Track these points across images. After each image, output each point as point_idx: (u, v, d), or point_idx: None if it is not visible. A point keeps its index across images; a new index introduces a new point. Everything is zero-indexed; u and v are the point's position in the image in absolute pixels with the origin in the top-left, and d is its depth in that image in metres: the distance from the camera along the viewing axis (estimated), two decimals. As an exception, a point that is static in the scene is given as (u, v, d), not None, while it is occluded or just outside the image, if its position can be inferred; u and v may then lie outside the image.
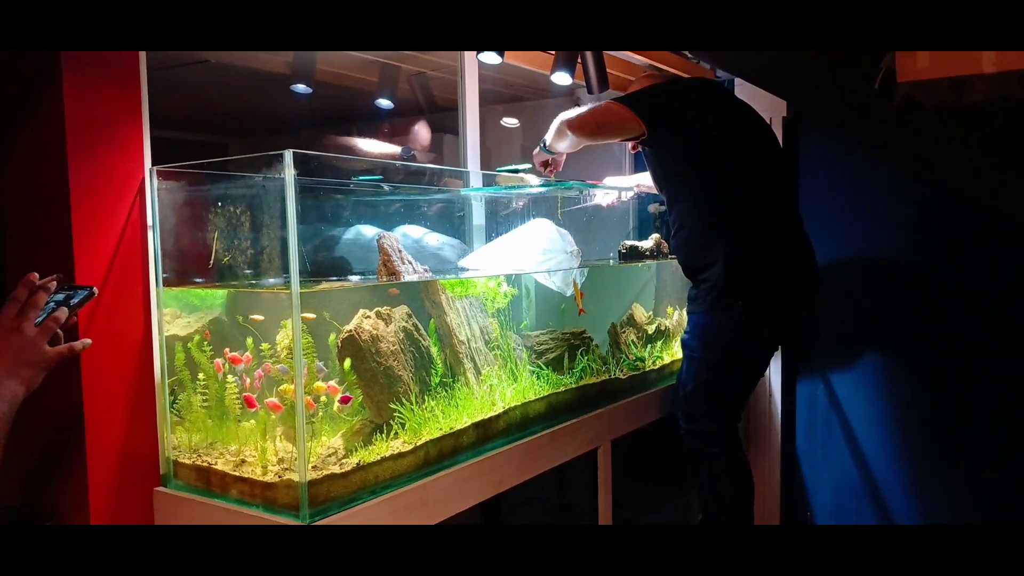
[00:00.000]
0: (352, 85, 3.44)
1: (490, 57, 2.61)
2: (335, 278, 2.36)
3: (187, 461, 1.86)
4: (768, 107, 3.47)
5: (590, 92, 2.96)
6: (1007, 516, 3.05)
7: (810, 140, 3.47)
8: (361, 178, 2.58)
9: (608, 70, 2.99)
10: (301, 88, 3.22)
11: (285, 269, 1.68)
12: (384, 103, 3.52)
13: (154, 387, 1.87)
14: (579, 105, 3.13)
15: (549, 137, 2.58)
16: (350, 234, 2.67)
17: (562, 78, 2.81)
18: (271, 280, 1.86)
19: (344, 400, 1.88)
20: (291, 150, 1.63)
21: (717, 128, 2.54)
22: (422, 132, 3.82)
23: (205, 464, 1.83)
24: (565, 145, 2.59)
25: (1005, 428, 3.06)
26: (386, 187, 2.64)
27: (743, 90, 3.56)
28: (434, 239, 2.72)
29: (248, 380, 1.84)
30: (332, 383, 1.84)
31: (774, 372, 3.49)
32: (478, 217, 3.00)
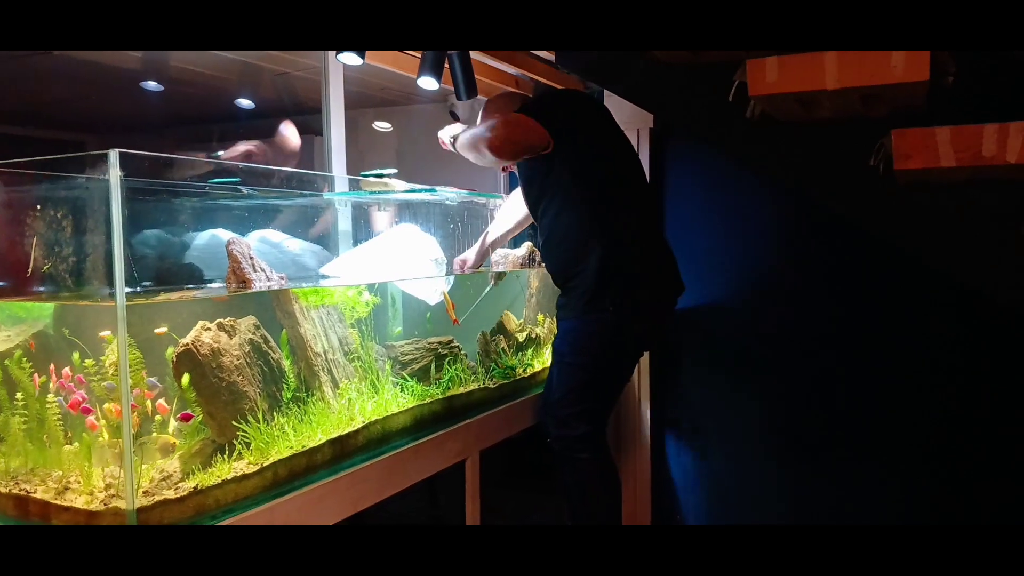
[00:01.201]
0: (209, 83, 3.28)
1: (350, 58, 2.51)
2: (190, 286, 2.22)
3: (2, 490, 1.69)
4: (634, 118, 3.50)
5: (459, 98, 2.91)
6: (875, 514, 3.15)
7: (675, 151, 3.52)
8: (217, 180, 2.44)
9: (476, 75, 2.95)
10: (152, 85, 3.03)
11: (121, 277, 1.54)
12: (245, 103, 3.36)
13: (-34, 409, 1.70)
14: (454, 111, 3.08)
15: (461, 148, 2.54)
16: (202, 239, 2.53)
17: (428, 83, 2.73)
18: (106, 290, 1.72)
19: (184, 417, 1.75)
20: (116, 149, 1.50)
21: (599, 136, 2.55)
22: (289, 134, 3.67)
23: (23, 492, 1.67)
24: (472, 158, 2.54)
25: (871, 424, 3.16)
26: (245, 190, 2.51)
27: (610, 101, 3.58)
28: (294, 245, 2.61)
29: (72, 398, 1.68)
30: (161, 401, 1.70)
31: (643, 375, 3.51)
32: (344, 222, 2.89)
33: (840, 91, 2.00)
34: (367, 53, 2.73)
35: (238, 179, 2.48)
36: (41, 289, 1.77)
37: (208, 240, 2.50)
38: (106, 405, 1.65)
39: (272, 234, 2.61)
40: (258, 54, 3.03)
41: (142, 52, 2.89)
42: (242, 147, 2.80)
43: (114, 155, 1.50)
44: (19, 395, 1.71)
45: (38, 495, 1.66)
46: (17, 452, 1.73)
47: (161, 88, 3.08)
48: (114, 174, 1.50)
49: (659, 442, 3.60)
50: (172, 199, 2.34)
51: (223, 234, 2.42)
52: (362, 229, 2.87)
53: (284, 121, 3.55)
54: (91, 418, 1.65)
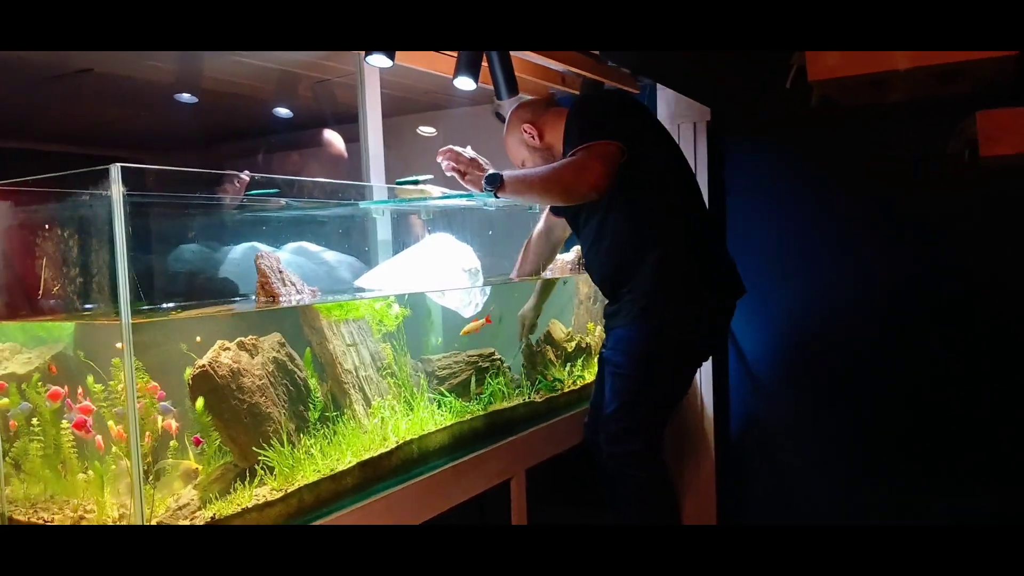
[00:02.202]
0: (249, 94, 3.23)
1: (379, 60, 2.41)
2: (224, 300, 2.16)
3: (22, 518, 1.64)
4: (690, 112, 3.35)
5: (499, 98, 2.79)
6: (941, 516, 2.99)
7: (733, 145, 3.36)
8: (255, 192, 2.38)
9: (516, 73, 2.83)
10: (186, 97, 3.00)
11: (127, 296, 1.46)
12: (283, 112, 3.31)
13: (-16, 434, 1.65)
14: (500, 112, 2.95)
15: (526, 192, 2.31)
16: (238, 252, 2.47)
17: (465, 83, 2.63)
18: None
19: (194, 442, 1.67)
20: (118, 164, 1.43)
21: (648, 138, 2.41)
22: (334, 142, 3.61)
23: (41, 521, 1.61)
24: (549, 201, 2.45)
25: (939, 428, 3.00)
26: (284, 201, 2.44)
27: (664, 94, 3.44)
28: (329, 257, 2.53)
29: (76, 419, 1.62)
30: (169, 421, 1.62)
31: (707, 378, 3.36)
32: (383, 232, 2.81)
33: (914, 70, 1.82)
34: (407, 57, 2.64)
35: (275, 190, 2.41)
36: (69, 301, 1.72)
37: (243, 253, 2.44)
38: (114, 429, 1.57)
39: (307, 246, 2.54)
40: (297, 63, 2.96)
41: (177, 65, 2.85)
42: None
43: (115, 170, 1.42)
44: (35, 420, 1.65)
45: (56, 523, 1.60)
46: (35, 479, 1.67)
47: (195, 100, 3.04)
48: (116, 189, 1.42)
49: (723, 445, 3.46)
50: (202, 213, 2.29)
51: (259, 247, 2.36)
52: (402, 238, 2.78)
53: (326, 130, 3.49)
54: (99, 438, 1.58)
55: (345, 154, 3.53)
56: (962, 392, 2.94)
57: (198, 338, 1.77)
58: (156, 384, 1.63)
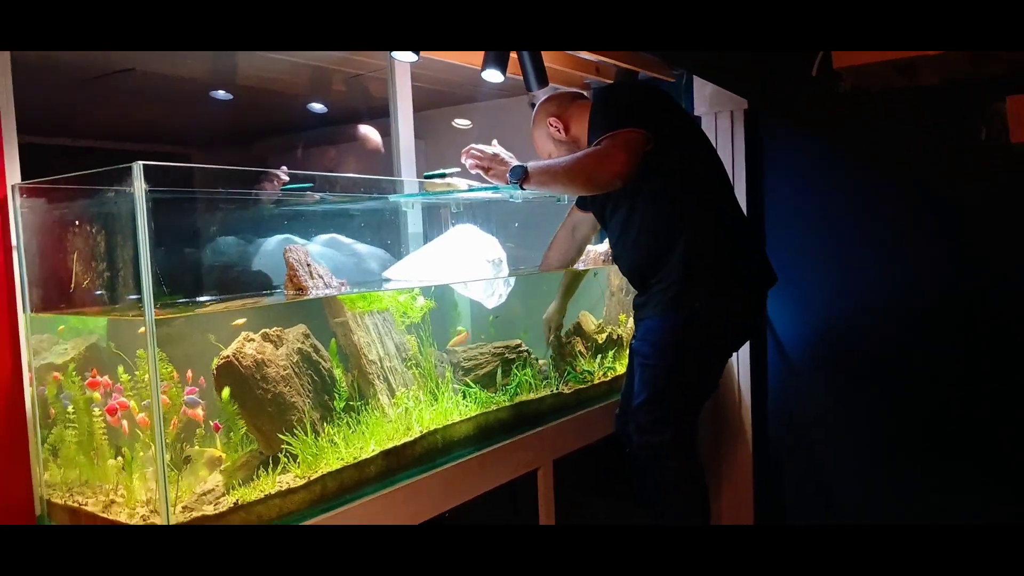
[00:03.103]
0: (285, 90, 3.29)
1: (405, 55, 2.45)
2: (257, 293, 2.21)
3: (59, 501, 1.71)
4: (728, 101, 3.31)
5: (529, 90, 2.80)
6: (986, 515, 2.91)
7: (771, 134, 3.32)
8: (290, 187, 2.44)
9: (548, 64, 2.84)
10: (220, 94, 3.07)
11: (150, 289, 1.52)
12: (318, 107, 3.37)
13: (26, 421, 1.72)
14: (536, 103, 2.96)
15: (552, 182, 2.29)
16: (270, 246, 2.52)
17: (493, 75, 2.65)
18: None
19: (215, 428, 1.73)
20: (140, 162, 1.48)
21: (675, 128, 2.40)
22: (371, 137, 3.66)
23: (76, 504, 1.68)
24: (573, 191, 2.45)
25: (982, 423, 2.92)
26: (318, 195, 2.50)
27: (700, 84, 3.41)
28: (359, 249, 2.57)
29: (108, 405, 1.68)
30: (195, 410, 1.67)
31: (744, 370, 3.35)
32: (414, 224, 2.84)
33: (942, 53, 1.79)
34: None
35: (310, 184, 2.46)
36: (101, 295, 1.79)
37: (277, 246, 2.49)
38: (138, 416, 1.63)
39: (339, 238, 2.58)
40: (330, 59, 3.01)
41: (214, 63, 2.93)
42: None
43: (137, 167, 1.47)
44: (70, 408, 1.72)
45: (88, 508, 1.67)
46: (71, 464, 1.74)
47: (230, 97, 3.11)
48: (138, 185, 1.48)
49: (761, 438, 3.43)
50: (238, 208, 2.34)
51: (293, 240, 2.41)
52: (432, 230, 2.81)
53: (363, 125, 3.54)
54: (124, 424, 1.65)
55: (382, 149, 3.58)
56: (1013, 386, 2.87)
57: (241, 320, 1.82)
58: (178, 375, 1.69)
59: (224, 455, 1.75)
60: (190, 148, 4.20)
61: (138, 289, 1.50)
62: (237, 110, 3.45)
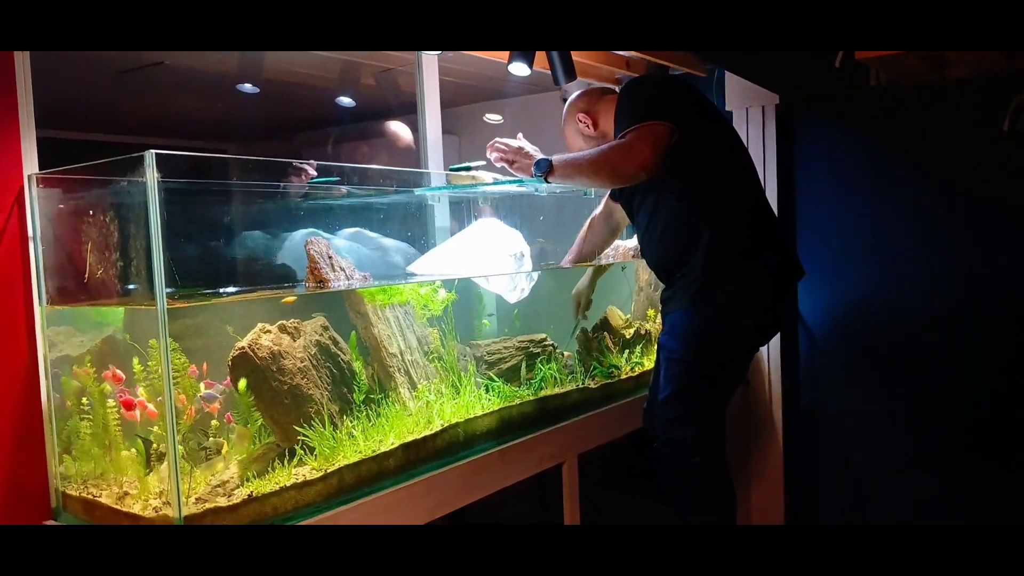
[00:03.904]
0: (317, 84, 3.29)
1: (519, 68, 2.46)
2: (279, 286, 2.21)
3: (74, 493, 1.71)
4: (759, 95, 3.25)
5: (556, 83, 2.76)
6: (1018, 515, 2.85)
7: (803, 127, 3.27)
8: (319, 180, 2.43)
9: (579, 58, 2.80)
10: (248, 88, 3.08)
11: (161, 280, 1.51)
12: (347, 102, 3.36)
13: (42, 413, 1.73)
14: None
15: (578, 175, 2.28)
16: (295, 239, 2.52)
17: (519, 69, 2.61)
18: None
19: (227, 420, 1.72)
20: (153, 151, 1.47)
21: (706, 119, 2.38)
22: (400, 132, 3.64)
23: (91, 496, 1.68)
24: (597, 184, 2.45)
25: (1017, 422, 2.85)
26: (345, 188, 2.49)
27: (732, 79, 3.35)
28: (385, 243, 2.56)
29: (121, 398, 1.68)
30: (212, 404, 1.67)
31: (775, 368, 3.28)
32: (441, 219, 2.82)
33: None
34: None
35: (337, 178, 2.45)
36: (116, 286, 1.79)
37: (302, 239, 2.48)
38: (148, 408, 1.63)
39: (363, 232, 2.57)
40: (359, 53, 3.00)
41: (245, 57, 2.93)
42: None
43: (149, 156, 1.47)
44: (84, 400, 1.73)
45: (103, 499, 1.67)
46: (87, 457, 1.74)
47: (257, 91, 3.12)
48: (150, 175, 1.47)
49: (792, 437, 3.36)
50: (263, 201, 2.34)
51: (318, 233, 2.40)
52: (460, 225, 2.79)
53: (395, 122, 3.52)
54: (135, 414, 1.64)
55: (413, 146, 3.56)
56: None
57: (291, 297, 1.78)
58: (195, 366, 1.68)
59: (225, 443, 1.73)
60: (226, 143, 4.23)
61: (150, 279, 1.49)
62: (268, 103, 3.46)
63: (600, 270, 2.81)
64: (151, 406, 1.62)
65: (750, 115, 3.29)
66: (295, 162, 2.36)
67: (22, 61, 1.71)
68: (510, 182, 2.44)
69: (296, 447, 1.76)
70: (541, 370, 2.42)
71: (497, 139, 2.44)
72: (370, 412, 1.95)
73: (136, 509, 1.60)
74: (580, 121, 2.50)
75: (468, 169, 2.49)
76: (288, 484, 1.67)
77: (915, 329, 3.04)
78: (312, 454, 1.77)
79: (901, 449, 3.10)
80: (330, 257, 2.09)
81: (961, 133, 2.80)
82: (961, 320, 2.93)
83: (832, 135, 3.20)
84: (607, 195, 2.75)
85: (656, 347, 2.51)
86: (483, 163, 2.51)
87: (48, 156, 1.78)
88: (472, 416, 2.13)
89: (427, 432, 2.00)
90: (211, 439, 1.69)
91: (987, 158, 2.76)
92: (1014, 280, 2.82)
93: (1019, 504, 2.83)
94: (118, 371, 1.73)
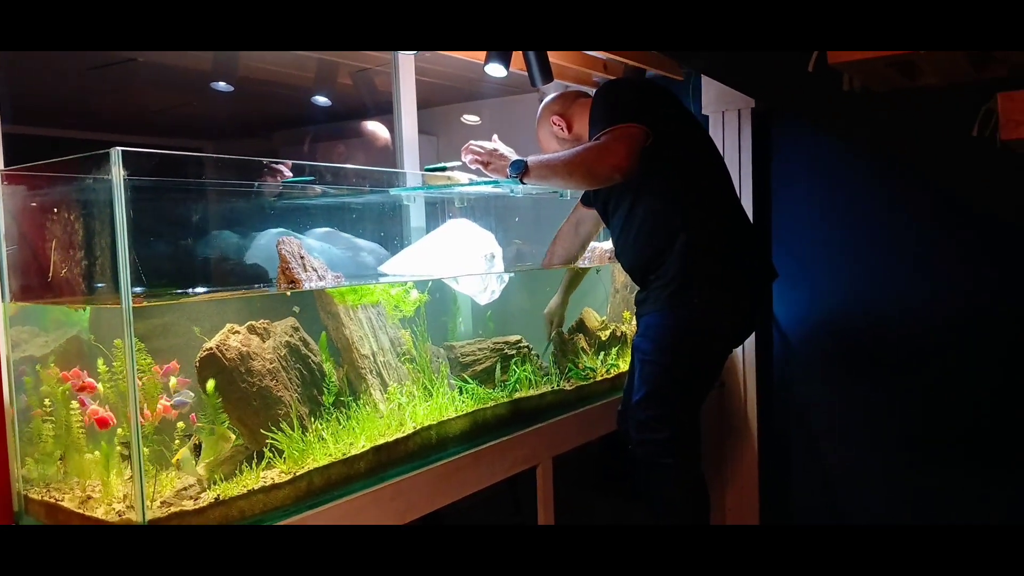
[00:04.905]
0: (292, 83, 3.26)
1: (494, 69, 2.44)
2: (250, 286, 2.18)
3: (37, 497, 1.68)
4: (735, 99, 3.26)
5: (533, 85, 2.75)
6: (999, 515, 2.89)
7: (780, 133, 3.30)
8: (292, 179, 2.40)
9: (556, 60, 2.80)
10: (221, 86, 3.04)
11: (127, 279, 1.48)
12: (323, 101, 3.33)
13: (3, 415, 1.69)
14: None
15: (553, 176, 2.27)
16: (266, 239, 2.49)
17: (496, 70, 2.60)
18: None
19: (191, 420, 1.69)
20: (118, 148, 1.44)
21: (675, 123, 2.38)
22: (378, 132, 3.62)
23: (53, 500, 1.65)
24: (572, 185, 2.43)
25: (988, 422, 2.90)
26: (319, 188, 2.46)
27: (708, 82, 3.35)
28: (356, 243, 2.53)
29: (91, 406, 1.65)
30: (167, 403, 1.63)
31: (749, 369, 3.30)
32: (416, 219, 2.80)
33: (946, 57, 1.73)
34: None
35: (311, 178, 2.43)
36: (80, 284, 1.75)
37: (272, 239, 2.46)
38: (98, 409, 1.60)
39: (334, 232, 2.55)
40: (335, 51, 2.98)
41: (220, 54, 2.90)
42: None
43: (115, 154, 1.44)
44: (47, 402, 1.69)
45: (65, 503, 1.63)
46: (50, 459, 1.71)
47: (231, 89, 3.08)
48: (116, 172, 1.44)
49: (767, 439, 3.38)
50: (233, 199, 2.31)
51: (288, 233, 2.37)
52: (435, 225, 2.77)
53: (372, 122, 3.50)
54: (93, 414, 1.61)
55: (391, 146, 3.54)
56: (1017, 384, 2.80)
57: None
58: (158, 368, 1.65)
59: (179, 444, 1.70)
60: (203, 140, 4.18)
61: (115, 278, 1.47)
62: (242, 102, 3.42)
63: (572, 287, 2.80)
64: (106, 409, 1.58)
65: (726, 119, 3.30)
66: (267, 161, 2.34)
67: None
68: (486, 183, 2.42)
69: (265, 450, 1.74)
70: (516, 372, 2.41)
71: (472, 141, 2.43)
72: (340, 415, 1.93)
73: (99, 513, 1.57)
74: (554, 124, 2.50)
75: (444, 169, 2.47)
76: (256, 487, 1.65)
77: (888, 331, 3.06)
78: (281, 457, 1.75)
79: (875, 450, 3.12)
80: (302, 257, 2.07)
81: (932, 138, 2.82)
82: (934, 322, 2.96)
83: (807, 139, 3.22)
84: (577, 204, 2.74)
85: (631, 349, 2.51)
86: (459, 163, 2.50)
87: (16, 153, 1.75)
88: (445, 418, 2.12)
89: (399, 435, 1.98)
90: (177, 442, 1.66)
91: (957, 163, 2.79)
92: (986, 283, 2.86)
93: (992, 502, 2.86)
94: (89, 379, 1.69)
